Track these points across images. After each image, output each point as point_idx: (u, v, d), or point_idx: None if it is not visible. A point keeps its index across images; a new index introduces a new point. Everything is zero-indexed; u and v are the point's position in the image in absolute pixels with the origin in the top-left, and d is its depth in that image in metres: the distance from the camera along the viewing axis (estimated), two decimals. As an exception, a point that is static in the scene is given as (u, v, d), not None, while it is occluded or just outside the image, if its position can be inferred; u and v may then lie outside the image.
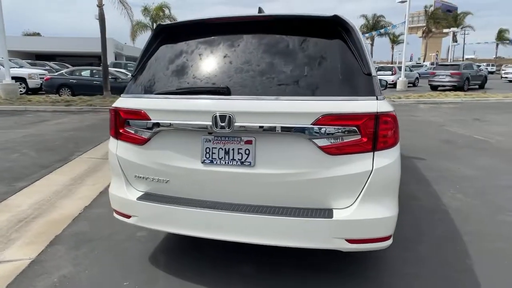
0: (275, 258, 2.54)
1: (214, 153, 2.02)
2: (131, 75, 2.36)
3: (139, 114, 2.13)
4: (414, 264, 2.51)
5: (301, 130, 1.88)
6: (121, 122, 2.22)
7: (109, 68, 15.36)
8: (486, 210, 3.47)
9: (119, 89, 11.74)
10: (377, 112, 1.86)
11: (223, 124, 1.92)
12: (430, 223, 3.18)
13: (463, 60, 41.34)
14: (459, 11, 56.35)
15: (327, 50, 2.00)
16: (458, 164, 5.07)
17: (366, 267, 2.48)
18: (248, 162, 1.97)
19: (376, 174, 1.88)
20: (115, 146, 2.29)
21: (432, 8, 53.12)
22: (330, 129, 1.86)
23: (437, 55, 48.50)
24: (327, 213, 1.91)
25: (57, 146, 6.24)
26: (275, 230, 1.93)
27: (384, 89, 4.18)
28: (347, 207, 1.92)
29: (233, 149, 1.99)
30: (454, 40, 49.96)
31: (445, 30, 47.39)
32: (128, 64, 23.50)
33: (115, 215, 2.38)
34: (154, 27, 2.55)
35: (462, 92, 16.90)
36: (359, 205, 1.90)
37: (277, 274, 2.38)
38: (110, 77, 14.38)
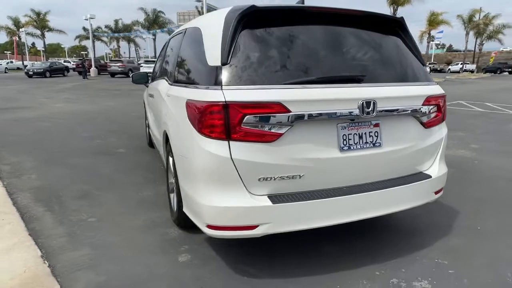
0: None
1: (350, 139, 2.09)
2: (221, 63, 1.98)
3: (273, 107, 1.89)
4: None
5: (414, 110, 2.26)
6: (238, 119, 1.88)
7: None
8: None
9: None
10: (444, 93, 2.47)
11: (368, 110, 2.04)
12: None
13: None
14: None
15: (406, 44, 2.43)
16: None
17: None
18: (378, 143, 2.17)
19: (443, 140, 2.50)
20: (225, 149, 1.91)
21: (203, 8, 58.76)
22: (429, 108, 2.33)
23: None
24: (425, 174, 2.39)
25: None
26: (402, 198, 2.24)
27: None
28: (429, 167, 2.46)
29: (365, 133, 2.13)
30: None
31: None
32: None
33: (221, 233, 1.99)
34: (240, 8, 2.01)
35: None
36: (437, 165, 2.47)
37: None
38: None
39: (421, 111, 2.30)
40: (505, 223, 2.99)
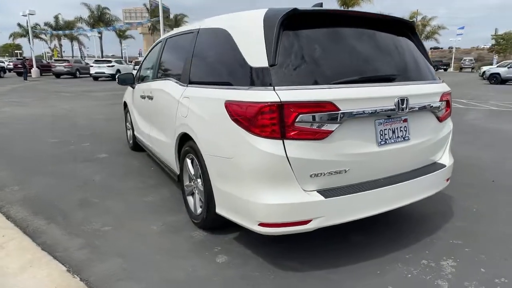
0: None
1: (386, 134, 2.25)
2: (269, 64, 2.02)
3: (324, 106, 1.98)
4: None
5: (433, 106, 2.47)
6: (293, 118, 1.95)
7: None
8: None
9: None
10: (450, 90, 2.73)
11: (403, 106, 2.21)
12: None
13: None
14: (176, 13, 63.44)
15: (417, 45, 2.64)
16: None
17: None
18: (407, 137, 2.35)
19: (451, 132, 2.77)
20: (280, 147, 1.96)
21: (151, 7, 56.90)
22: (443, 103, 2.56)
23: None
24: (440, 164, 2.63)
25: None
26: (426, 187, 2.45)
27: None
28: (442, 157, 2.71)
29: (397, 128, 2.30)
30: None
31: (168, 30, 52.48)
32: None
33: (274, 230, 2.05)
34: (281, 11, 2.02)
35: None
36: (447, 155, 2.73)
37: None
38: None
39: (438, 107, 2.53)
40: (493, 203, 3.36)
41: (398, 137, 2.32)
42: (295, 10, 2.11)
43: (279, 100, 1.93)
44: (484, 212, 3.18)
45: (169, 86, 3.24)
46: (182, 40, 3.35)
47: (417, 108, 2.37)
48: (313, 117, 1.98)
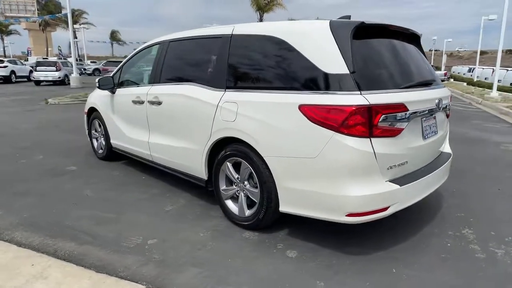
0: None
1: (427, 129, 2.69)
2: (350, 71, 2.27)
3: (399, 108, 2.31)
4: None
5: (448, 105, 3.02)
6: (378, 119, 2.23)
7: None
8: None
9: None
10: (448, 92, 3.35)
11: (440, 106, 2.67)
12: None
13: (79, 56, 43.08)
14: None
15: (424, 54, 3.17)
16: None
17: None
18: (436, 131, 2.84)
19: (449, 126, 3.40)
20: (368, 145, 2.23)
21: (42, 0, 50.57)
22: (450, 103, 3.14)
23: (60, 50, 47.50)
24: (448, 153, 3.21)
25: None
26: (444, 172, 2.98)
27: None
28: (445, 147, 3.30)
29: (431, 124, 2.76)
30: (75, 36, 50.80)
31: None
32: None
33: (361, 219, 2.31)
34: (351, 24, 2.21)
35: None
36: (448, 146, 3.34)
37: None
38: None
39: (448, 106, 3.09)
40: (476, 185, 4.11)
41: (432, 131, 2.79)
42: (363, 23, 2.39)
43: (368, 103, 2.19)
44: (466, 190, 3.91)
45: (194, 90, 3.19)
46: (203, 45, 3.32)
47: (442, 107, 2.88)
48: (392, 117, 2.29)
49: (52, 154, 5.34)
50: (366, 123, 2.20)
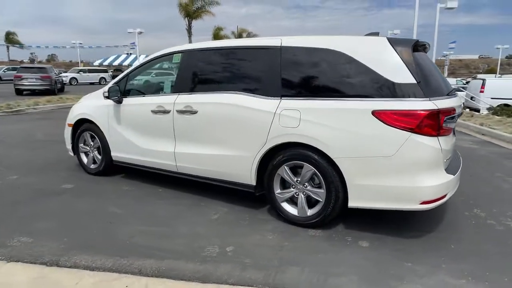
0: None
1: (454, 129, 3.25)
2: (416, 81, 2.68)
3: (452, 111, 2.80)
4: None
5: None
6: (443, 120, 2.69)
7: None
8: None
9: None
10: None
11: (460, 111, 3.25)
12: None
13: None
14: None
15: None
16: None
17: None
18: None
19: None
20: (437, 142, 2.68)
21: None
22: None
23: None
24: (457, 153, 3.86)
25: None
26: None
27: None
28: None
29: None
30: None
31: None
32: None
33: (431, 205, 2.74)
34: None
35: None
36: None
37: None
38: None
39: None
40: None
41: (453, 132, 3.37)
42: (417, 41, 2.84)
43: (437, 108, 2.63)
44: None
45: (243, 99, 3.29)
46: (246, 55, 3.43)
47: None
48: (449, 119, 2.77)
49: (26, 173, 4.75)
50: (435, 124, 2.64)
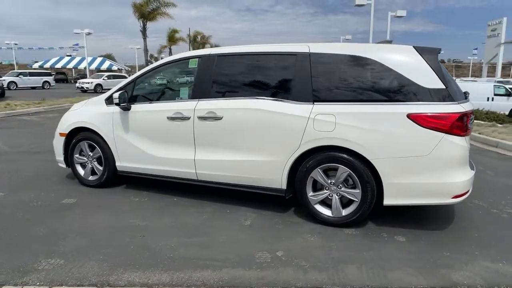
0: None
1: (466, 129, 3.58)
2: (445, 86, 2.93)
3: (472, 114, 3.10)
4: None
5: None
6: (468, 122, 2.97)
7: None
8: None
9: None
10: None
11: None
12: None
13: None
14: None
15: None
16: None
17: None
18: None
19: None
20: (464, 141, 2.96)
21: None
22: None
23: None
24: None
25: None
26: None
27: None
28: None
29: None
30: None
31: None
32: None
33: (460, 199, 3.01)
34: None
35: None
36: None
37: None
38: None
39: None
40: None
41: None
42: (439, 49, 3.10)
43: (464, 110, 2.90)
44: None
45: (273, 104, 3.32)
46: (272, 61, 3.47)
47: None
48: (471, 120, 3.06)
49: (14, 189, 4.33)
50: (464, 125, 2.91)
